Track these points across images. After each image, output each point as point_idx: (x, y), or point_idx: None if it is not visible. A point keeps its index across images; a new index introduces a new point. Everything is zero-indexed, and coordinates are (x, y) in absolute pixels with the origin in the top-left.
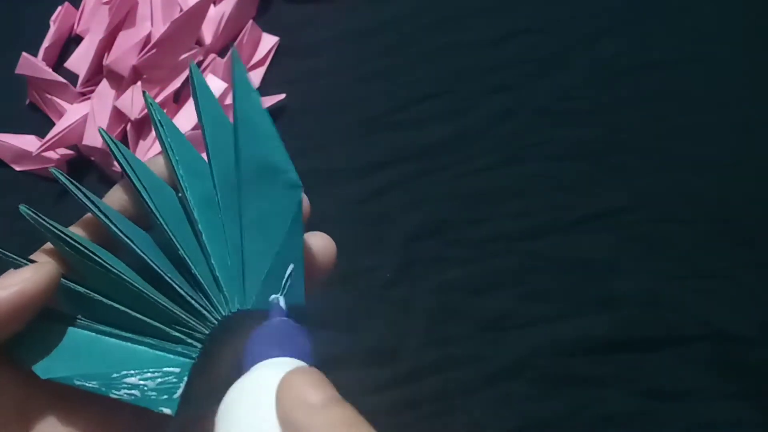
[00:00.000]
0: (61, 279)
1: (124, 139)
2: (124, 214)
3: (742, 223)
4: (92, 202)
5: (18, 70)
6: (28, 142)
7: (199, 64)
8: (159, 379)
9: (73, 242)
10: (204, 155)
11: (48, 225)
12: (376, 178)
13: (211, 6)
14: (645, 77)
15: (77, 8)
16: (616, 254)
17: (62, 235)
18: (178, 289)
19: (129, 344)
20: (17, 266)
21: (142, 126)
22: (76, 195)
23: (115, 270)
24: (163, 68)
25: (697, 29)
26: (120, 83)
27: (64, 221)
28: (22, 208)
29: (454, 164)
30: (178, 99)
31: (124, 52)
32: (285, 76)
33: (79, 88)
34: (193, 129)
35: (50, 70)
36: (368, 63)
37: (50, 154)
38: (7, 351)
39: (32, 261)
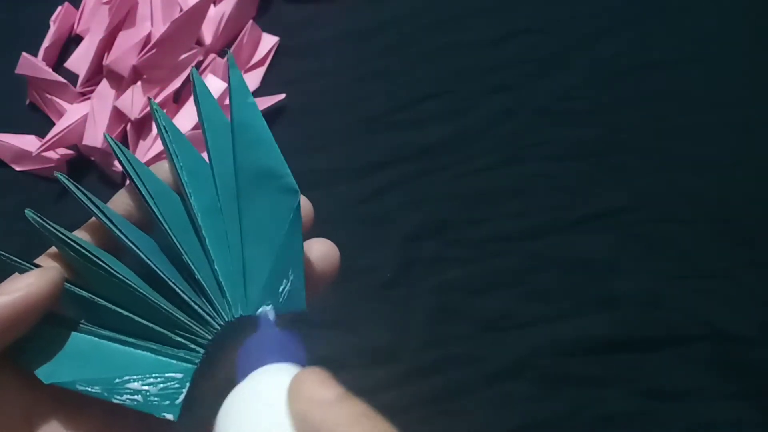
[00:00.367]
0: (65, 283)
1: (124, 139)
2: (129, 219)
3: (742, 223)
4: (97, 207)
5: (18, 70)
6: (28, 142)
7: (199, 64)
8: (161, 385)
9: (77, 246)
10: (206, 158)
11: (52, 229)
12: (376, 178)
13: (211, 6)
14: (645, 77)
15: (77, 8)
16: (616, 254)
17: (66, 239)
18: (182, 294)
19: (132, 349)
20: (21, 270)
21: (142, 126)
22: (81, 199)
23: (118, 274)
24: (163, 68)
25: (697, 29)
26: (120, 83)
27: (64, 221)
28: (28, 212)
29: (454, 164)
30: (178, 99)
31: (124, 52)
32: (285, 76)
33: (79, 88)
34: (193, 129)
35: (50, 70)
36: (368, 63)
37: (50, 154)
38: (11, 355)
39: (36, 265)
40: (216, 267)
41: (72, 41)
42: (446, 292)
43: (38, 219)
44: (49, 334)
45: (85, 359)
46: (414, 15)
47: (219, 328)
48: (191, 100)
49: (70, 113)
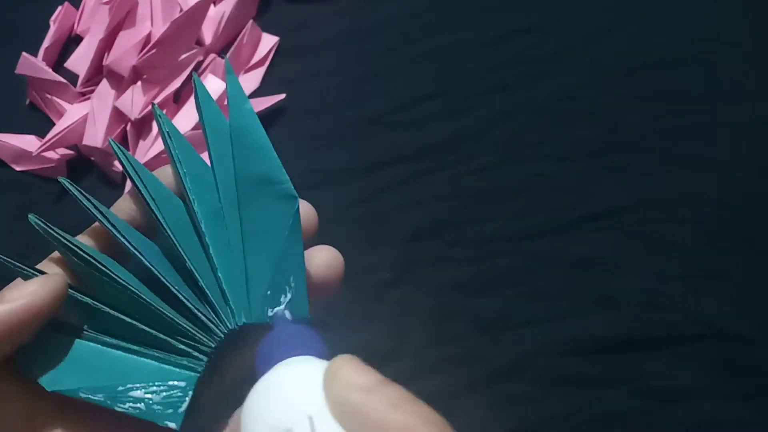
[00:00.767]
0: (69, 290)
1: (124, 139)
2: (132, 224)
3: (742, 223)
4: (100, 212)
5: (18, 70)
6: (28, 142)
7: (199, 64)
8: (164, 393)
9: (80, 252)
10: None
11: (56, 234)
12: (376, 178)
13: (211, 6)
14: (645, 77)
15: (77, 8)
16: (616, 254)
17: (70, 244)
18: (185, 302)
19: (135, 357)
20: (24, 275)
21: (142, 126)
22: (84, 204)
23: (122, 281)
24: (163, 68)
25: (697, 29)
26: (120, 83)
27: (64, 222)
28: (32, 217)
29: (454, 164)
30: (178, 99)
31: (124, 52)
32: (285, 76)
33: (79, 88)
34: (193, 129)
35: (50, 70)
36: (368, 63)
37: (50, 154)
38: (14, 363)
39: (40, 271)
40: (219, 274)
41: (72, 41)
42: (446, 292)
43: (41, 224)
44: (52, 341)
45: (88, 367)
46: (414, 15)
47: (222, 336)
48: (191, 100)
49: (70, 113)
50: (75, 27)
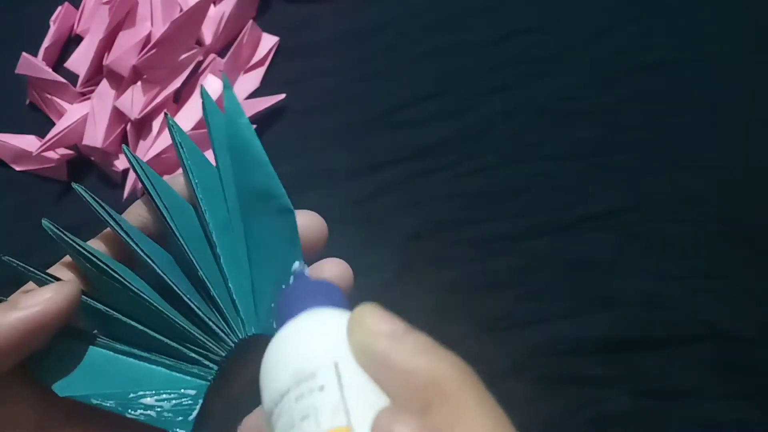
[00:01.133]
0: (81, 296)
1: (123, 139)
2: (144, 231)
3: (742, 223)
4: (113, 219)
5: (18, 70)
6: (28, 142)
7: (199, 64)
8: (175, 401)
9: (93, 258)
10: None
11: (69, 240)
12: (376, 178)
13: (211, 6)
14: (645, 77)
15: (77, 8)
16: (616, 254)
17: (83, 250)
18: (197, 310)
19: (146, 364)
20: (38, 280)
21: (142, 126)
22: (97, 211)
23: (134, 288)
24: (163, 68)
25: (697, 29)
26: (120, 83)
27: (64, 222)
28: (45, 222)
29: (454, 164)
30: (178, 99)
31: (124, 52)
32: (285, 76)
33: (79, 88)
34: (193, 129)
35: (50, 70)
36: (368, 63)
37: (50, 154)
38: (27, 368)
39: (52, 276)
40: (230, 284)
41: (72, 41)
42: (446, 292)
43: (55, 229)
44: (64, 347)
45: (99, 373)
46: (414, 15)
47: (233, 345)
48: (191, 100)
49: (70, 113)
50: (75, 27)
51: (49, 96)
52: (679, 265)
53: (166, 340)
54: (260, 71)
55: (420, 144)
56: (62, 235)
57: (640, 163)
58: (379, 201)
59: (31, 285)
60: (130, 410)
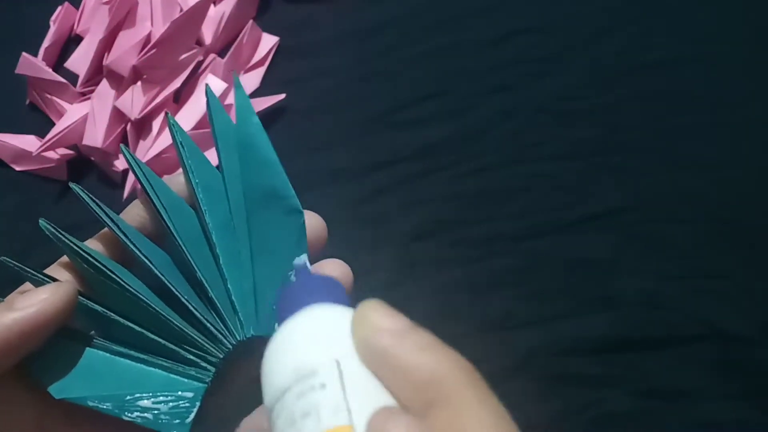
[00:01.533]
0: (78, 297)
1: (124, 139)
2: (143, 231)
3: (742, 223)
4: (111, 219)
5: (18, 70)
6: (28, 142)
7: (199, 64)
8: (171, 403)
9: (91, 259)
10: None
11: (66, 240)
12: (376, 178)
13: (211, 6)
14: (645, 77)
15: (77, 8)
16: (616, 254)
17: (80, 251)
18: (194, 312)
19: (143, 366)
20: (35, 281)
21: (142, 126)
22: (95, 211)
23: (132, 289)
24: (163, 68)
25: (697, 29)
26: (120, 83)
27: (64, 222)
28: (42, 223)
29: (454, 164)
30: (178, 99)
31: (124, 52)
32: (285, 76)
33: (79, 88)
34: (193, 129)
35: (50, 70)
36: (368, 63)
37: (50, 154)
38: (24, 369)
39: (49, 276)
40: (229, 286)
41: (72, 41)
42: (446, 292)
43: (52, 230)
44: (61, 348)
45: (96, 375)
46: (414, 15)
47: (231, 347)
48: (191, 100)
49: (70, 113)
50: (75, 27)
51: (49, 96)
52: (679, 265)
53: (163, 341)
54: (260, 71)
55: (420, 144)
56: (59, 235)
57: (640, 163)
58: (379, 201)
59: (28, 286)
60: (126, 412)
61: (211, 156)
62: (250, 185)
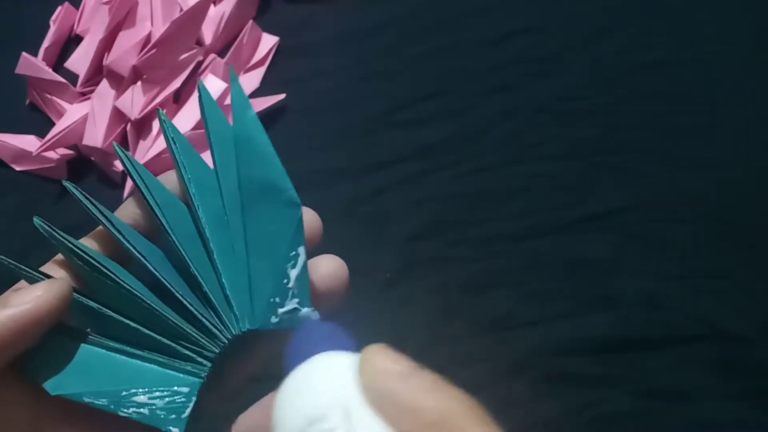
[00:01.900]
0: (73, 293)
1: (124, 139)
2: (137, 228)
3: (742, 223)
4: (105, 216)
5: (18, 70)
6: (28, 142)
7: (199, 64)
8: (167, 398)
9: (85, 256)
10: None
11: (61, 237)
12: (376, 178)
13: (211, 6)
14: (645, 77)
15: (77, 8)
16: (616, 254)
17: (75, 248)
18: (189, 307)
19: (138, 362)
20: (29, 278)
21: (142, 126)
22: (89, 209)
23: (126, 285)
24: (163, 68)
25: (697, 29)
26: (120, 83)
27: (64, 222)
28: (36, 220)
29: (454, 164)
30: (178, 99)
31: (124, 52)
32: (285, 76)
33: (79, 88)
34: (193, 129)
35: (50, 70)
36: (368, 63)
37: (50, 154)
38: (19, 366)
39: (44, 273)
40: (224, 280)
41: (72, 41)
42: (446, 292)
43: (46, 227)
44: (56, 345)
45: (91, 371)
46: (414, 15)
47: (226, 341)
48: (191, 100)
49: (70, 113)
50: (75, 27)
51: (49, 96)
52: (679, 265)
53: (158, 337)
54: (260, 71)
55: (420, 144)
56: (54, 233)
57: (640, 163)
58: (379, 201)
59: (23, 283)
60: (122, 408)
61: (209, 157)
62: (247, 178)
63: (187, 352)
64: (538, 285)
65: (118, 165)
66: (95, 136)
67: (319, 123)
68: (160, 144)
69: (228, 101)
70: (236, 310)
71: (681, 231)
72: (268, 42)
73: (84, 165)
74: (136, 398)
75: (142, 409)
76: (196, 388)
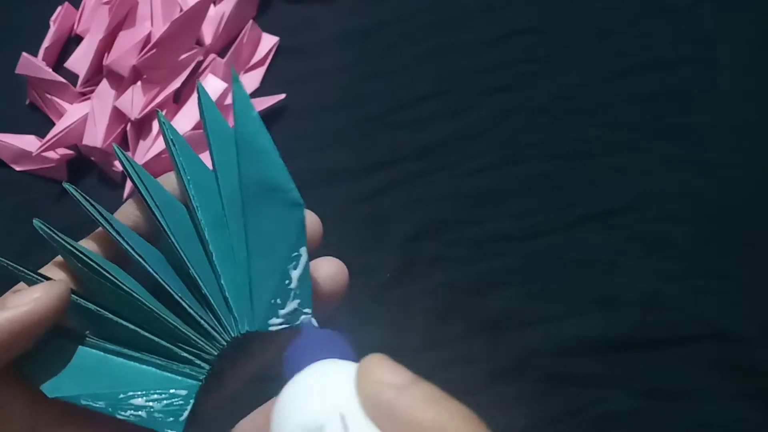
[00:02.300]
0: (72, 296)
1: (123, 139)
2: (136, 230)
3: (742, 223)
4: (104, 218)
5: (18, 70)
6: (28, 142)
7: (199, 64)
8: (165, 401)
9: (84, 258)
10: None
11: (60, 239)
12: (376, 178)
13: (211, 6)
14: (645, 77)
15: (77, 8)
16: (616, 254)
17: (74, 249)
18: (188, 309)
19: (136, 364)
20: (28, 280)
21: (142, 126)
22: (88, 210)
23: (125, 287)
24: (163, 68)
25: (697, 29)
26: (120, 83)
27: (64, 222)
28: (36, 222)
29: (454, 164)
30: (178, 99)
31: (124, 52)
32: (285, 76)
33: (79, 88)
34: (193, 129)
35: (50, 70)
36: (368, 63)
37: (50, 154)
38: (17, 369)
39: (43, 275)
40: (223, 282)
41: (72, 41)
42: (446, 292)
43: (46, 229)
44: (54, 347)
45: (89, 373)
46: (414, 15)
47: (225, 344)
48: (191, 99)
49: (70, 113)
50: (75, 27)
51: (49, 96)
52: (679, 265)
53: (157, 339)
54: (260, 71)
55: (420, 144)
56: (53, 234)
57: (640, 163)
58: (379, 201)
59: (22, 285)
60: (120, 411)
61: (208, 158)
62: (248, 179)
63: (185, 354)
64: (538, 285)
65: (118, 165)
66: (95, 136)
67: (319, 123)
68: (160, 144)
69: (228, 101)
70: (235, 312)
71: (681, 231)
72: (268, 42)
73: (84, 165)
74: (133, 401)
75: (139, 412)
76: (194, 390)
